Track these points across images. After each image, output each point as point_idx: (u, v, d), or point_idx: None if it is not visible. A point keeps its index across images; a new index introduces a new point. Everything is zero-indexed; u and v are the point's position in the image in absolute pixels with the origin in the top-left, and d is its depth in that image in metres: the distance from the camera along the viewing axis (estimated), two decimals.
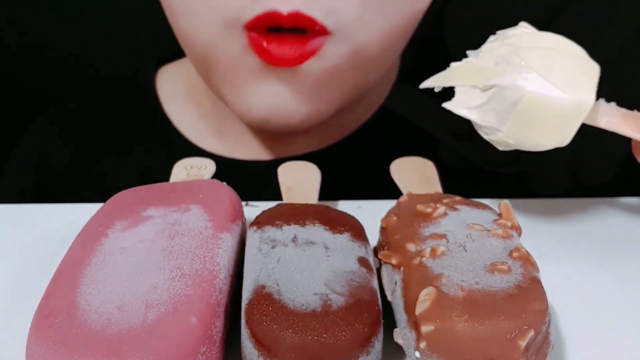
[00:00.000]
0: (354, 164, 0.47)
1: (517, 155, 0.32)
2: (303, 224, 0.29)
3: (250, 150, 0.48)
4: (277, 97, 0.39)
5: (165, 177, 0.35)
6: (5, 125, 0.63)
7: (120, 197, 0.32)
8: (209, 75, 0.41)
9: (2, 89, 0.65)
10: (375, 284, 0.26)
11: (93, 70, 0.64)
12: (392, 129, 0.48)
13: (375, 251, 0.30)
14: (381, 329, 0.25)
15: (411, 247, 0.27)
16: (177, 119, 0.50)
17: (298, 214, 0.30)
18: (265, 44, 0.36)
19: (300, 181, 0.35)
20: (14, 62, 0.66)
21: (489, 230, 0.28)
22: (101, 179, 0.49)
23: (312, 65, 0.37)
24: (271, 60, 0.36)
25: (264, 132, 0.47)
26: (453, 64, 0.31)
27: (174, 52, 0.54)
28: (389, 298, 0.27)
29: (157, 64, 0.53)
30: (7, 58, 0.66)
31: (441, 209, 0.29)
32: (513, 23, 0.31)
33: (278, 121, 0.40)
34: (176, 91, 0.51)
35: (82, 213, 0.31)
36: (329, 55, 0.37)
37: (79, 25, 0.65)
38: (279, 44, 0.36)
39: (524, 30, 0.31)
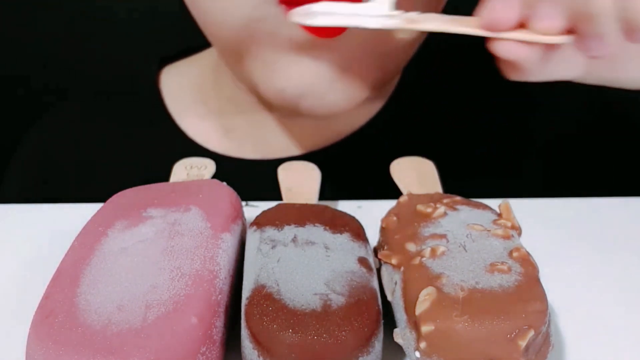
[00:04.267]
0: (354, 164, 0.47)
1: None
2: (303, 224, 0.29)
3: (255, 147, 0.48)
4: (312, 74, 0.38)
5: (169, 177, 0.35)
6: (8, 124, 0.63)
7: (120, 197, 0.32)
8: (239, 59, 0.40)
9: (5, 88, 0.65)
10: (375, 284, 0.26)
11: (96, 69, 0.64)
12: (392, 129, 0.48)
13: (375, 251, 0.30)
14: (381, 329, 0.25)
15: (411, 247, 0.27)
16: (181, 117, 0.50)
17: (298, 214, 0.30)
18: None
19: (300, 181, 0.35)
20: (17, 62, 0.66)
21: (489, 230, 0.28)
22: (103, 178, 0.49)
23: (345, 39, 0.36)
24: (315, 30, 0.35)
25: (269, 128, 0.47)
26: None
27: (178, 51, 0.54)
28: (389, 298, 0.27)
29: (161, 63, 0.53)
30: (10, 57, 0.66)
31: (441, 209, 0.29)
32: None
33: (312, 100, 0.39)
34: (181, 90, 0.51)
35: (82, 213, 0.31)
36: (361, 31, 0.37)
37: (83, 24, 0.65)
38: None
39: None
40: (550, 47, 0.30)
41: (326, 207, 0.31)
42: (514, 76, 0.33)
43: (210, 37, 0.42)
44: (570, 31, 0.30)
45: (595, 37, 0.29)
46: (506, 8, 0.29)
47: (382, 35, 0.38)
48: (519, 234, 0.29)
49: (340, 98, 0.40)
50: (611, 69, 0.35)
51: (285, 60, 0.38)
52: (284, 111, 0.41)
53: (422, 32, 0.40)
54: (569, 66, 0.33)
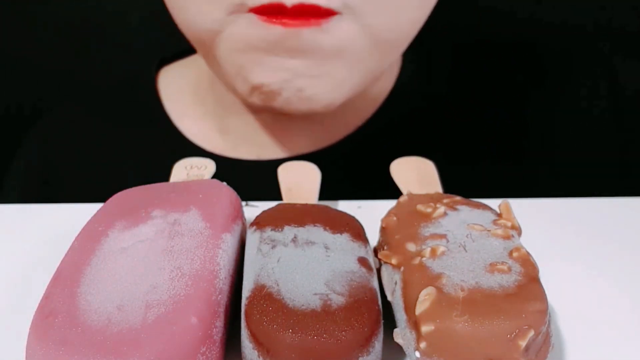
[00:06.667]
0: (354, 164, 0.47)
1: None
2: (303, 224, 0.29)
3: (252, 148, 0.48)
4: (289, 70, 0.38)
5: (167, 177, 0.35)
6: (8, 124, 0.63)
7: (120, 197, 0.32)
8: (216, 61, 0.41)
9: (5, 88, 0.65)
10: (375, 284, 0.26)
11: (95, 70, 0.64)
12: (392, 128, 0.48)
13: (375, 251, 0.30)
14: (381, 329, 0.25)
15: (411, 247, 0.27)
16: (179, 118, 0.50)
17: (298, 214, 0.30)
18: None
19: (300, 181, 0.35)
20: (17, 62, 0.66)
21: (489, 230, 0.28)
22: (102, 178, 0.49)
23: (321, 40, 0.37)
24: (283, 22, 0.36)
25: (266, 129, 0.47)
26: None
27: (177, 52, 0.54)
28: (389, 298, 0.27)
29: (159, 64, 0.53)
30: (9, 58, 0.66)
31: (441, 209, 0.29)
32: None
33: (289, 95, 0.39)
34: (179, 90, 0.51)
35: (82, 213, 0.31)
36: (338, 31, 0.37)
37: (82, 25, 0.65)
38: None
39: None
40: None
41: (326, 207, 0.31)
42: None
43: (189, 39, 0.42)
44: None
45: None
46: None
47: (363, 38, 0.38)
48: (519, 234, 0.29)
49: (319, 93, 0.39)
50: None
51: (260, 57, 0.38)
52: (259, 109, 0.41)
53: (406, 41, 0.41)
54: None
